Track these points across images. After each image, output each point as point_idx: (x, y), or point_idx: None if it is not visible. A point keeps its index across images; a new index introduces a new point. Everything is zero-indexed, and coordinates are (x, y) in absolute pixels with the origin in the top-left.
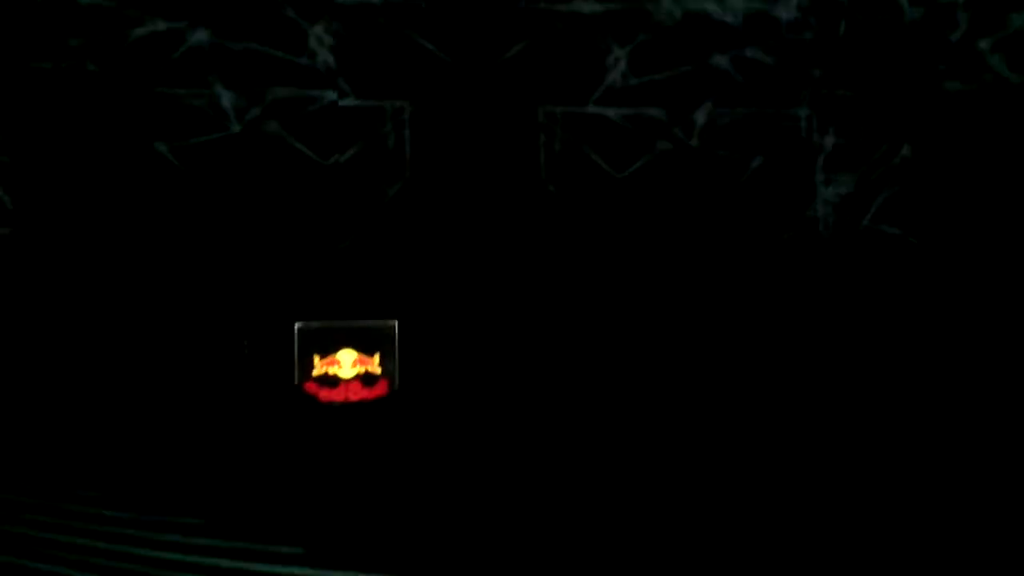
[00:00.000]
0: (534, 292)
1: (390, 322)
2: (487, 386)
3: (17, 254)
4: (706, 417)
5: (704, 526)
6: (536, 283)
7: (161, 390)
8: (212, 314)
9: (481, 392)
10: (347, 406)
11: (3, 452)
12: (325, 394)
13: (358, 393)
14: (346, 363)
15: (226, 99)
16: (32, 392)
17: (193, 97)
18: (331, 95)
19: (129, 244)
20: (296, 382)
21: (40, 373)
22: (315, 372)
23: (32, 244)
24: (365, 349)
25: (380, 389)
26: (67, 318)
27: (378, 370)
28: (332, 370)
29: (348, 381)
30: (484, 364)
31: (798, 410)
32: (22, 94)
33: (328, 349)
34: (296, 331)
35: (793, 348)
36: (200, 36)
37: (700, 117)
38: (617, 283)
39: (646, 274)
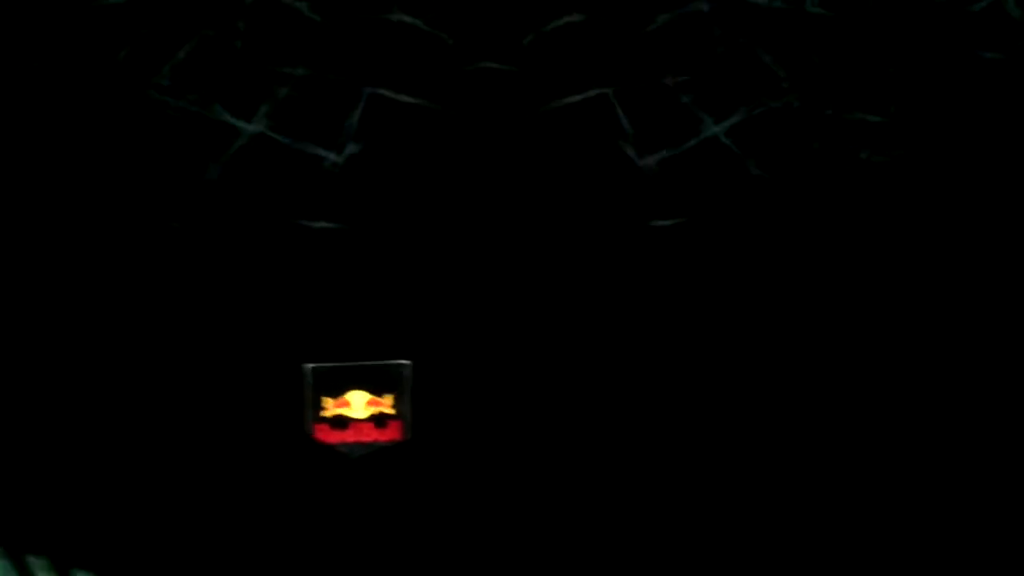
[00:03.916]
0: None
1: (403, 362)
2: (504, 427)
3: None
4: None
5: None
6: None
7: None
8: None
9: (498, 433)
10: (359, 447)
11: None
12: (337, 436)
13: (369, 434)
14: (357, 404)
15: None
16: None
17: None
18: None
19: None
20: (306, 423)
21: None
22: (325, 413)
23: None
24: (377, 390)
25: (393, 430)
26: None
27: (391, 411)
28: (343, 411)
29: (359, 422)
30: (500, 403)
31: None
32: None
33: (339, 390)
34: (306, 372)
35: None
36: None
37: None
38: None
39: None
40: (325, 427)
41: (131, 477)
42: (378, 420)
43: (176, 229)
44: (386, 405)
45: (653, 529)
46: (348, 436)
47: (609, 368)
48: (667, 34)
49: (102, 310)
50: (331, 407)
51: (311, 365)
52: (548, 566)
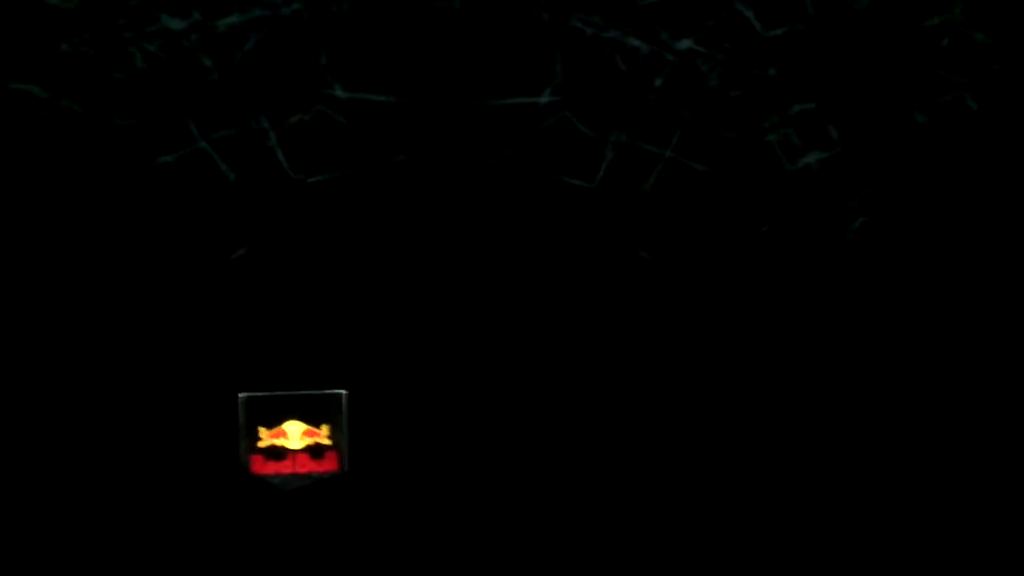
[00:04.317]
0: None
1: (339, 391)
2: (443, 457)
3: None
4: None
5: None
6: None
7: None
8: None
9: (436, 464)
10: (295, 478)
11: None
12: (272, 467)
13: (306, 465)
14: (293, 434)
15: None
16: None
17: None
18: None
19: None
20: (241, 454)
21: None
22: (261, 444)
23: None
24: (313, 420)
25: (330, 461)
26: None
27: (327, 441)
28: (279, 441)
29: (296, 453)
30: (439, 434)
31: None
32: None
33: (274, 420)
34: (241, 401)
35: None
36: None
37: None
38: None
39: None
40: (260, 458)
41: (54, 510)
42: (314, 451)
43: (108, 252)
44: (322, 435)
45: (606, 561)
46: (284, 467)
47: (551, 396)
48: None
49: (28, 334)
50: (266, 437)
51: (246, 394)
52: None
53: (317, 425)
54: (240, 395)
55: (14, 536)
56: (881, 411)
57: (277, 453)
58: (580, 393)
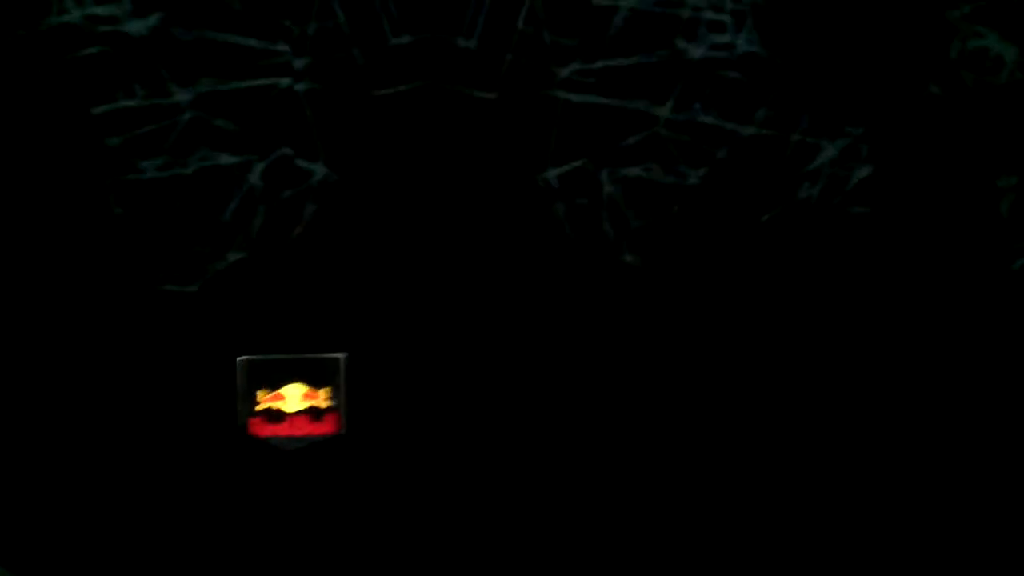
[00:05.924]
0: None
1: (337, 355)
2: (439, 420)
3: None
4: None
5: None
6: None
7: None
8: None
9: (433, 427)
10: (293, 440)
11: None
12: (271, 429)
13: (304, 428)
14: (292, 397)
15: None
16: None
17: None
18: None
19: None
20: (239, 417)
21: None
22: (259, 407)
23: None
24: (312, 383)
25: (328, 423)
26: None
27: (325, 404)
28: (277, 404)
29: (294, 416)
30: (436, 397)
31: None
32: None
33: (273, 384)
34: (240, 365)
35: None
36: None
37: None
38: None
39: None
40: (259, 420)
41: (57, 472)
42: (313, 413)
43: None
44: (321, 398)
45: (589, 528)
46: (282, 430)
47: (542, 362)
48: None
49: (26, 299)
50: (265, 400)
51: (245, 358)
52: (480, 557)
53: (316, 388)
54: (239, 359)
55: (15, 496)
56: (874, 410)
57: (276, 416)
58: (576, 360)
